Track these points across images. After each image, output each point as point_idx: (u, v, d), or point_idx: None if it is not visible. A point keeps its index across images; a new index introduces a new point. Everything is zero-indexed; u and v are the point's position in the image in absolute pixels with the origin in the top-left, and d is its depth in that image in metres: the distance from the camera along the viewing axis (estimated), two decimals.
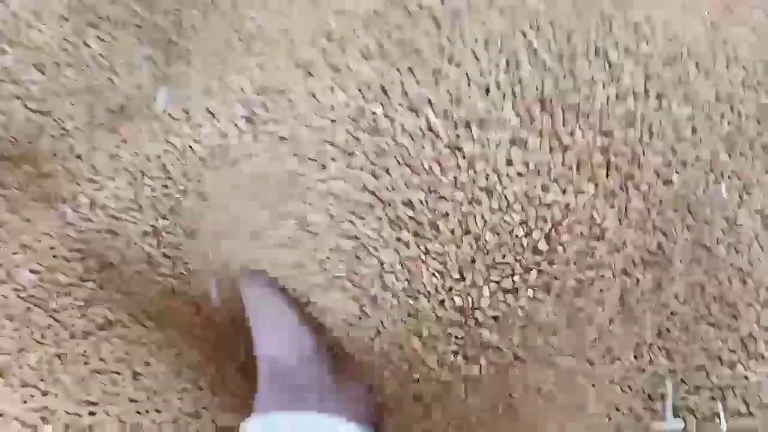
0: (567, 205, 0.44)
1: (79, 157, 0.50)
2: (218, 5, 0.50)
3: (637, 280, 0.45)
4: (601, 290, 0.45)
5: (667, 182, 0.45)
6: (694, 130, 0.45)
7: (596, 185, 0.44)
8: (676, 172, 0.45)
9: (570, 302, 0.44)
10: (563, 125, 0.44)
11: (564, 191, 0.44)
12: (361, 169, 0.45)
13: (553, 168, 0.44)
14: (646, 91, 0.45)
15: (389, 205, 0.44)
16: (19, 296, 0.45)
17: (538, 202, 0.44)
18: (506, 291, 0.45)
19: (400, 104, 0.44)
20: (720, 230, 0.45)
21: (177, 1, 0.51)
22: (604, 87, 0.44)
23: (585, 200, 0.44)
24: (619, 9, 0.46)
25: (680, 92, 0.45)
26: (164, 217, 0.49)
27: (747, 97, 0.47)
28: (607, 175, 0.44)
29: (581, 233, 0.44)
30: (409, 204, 0.44)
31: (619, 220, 0.44)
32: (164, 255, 0.49)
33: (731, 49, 0.47)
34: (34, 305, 0.45)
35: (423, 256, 0.44)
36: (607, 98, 0.45)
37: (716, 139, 0.45)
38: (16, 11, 0.51)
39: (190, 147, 0.49)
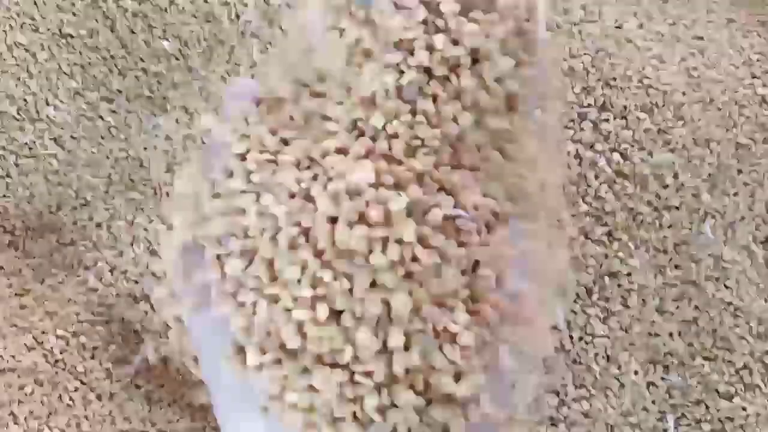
0: None
1: (99, 225, 0.53)
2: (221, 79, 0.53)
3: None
4: None
5: (654, 226, 0.47)
6: (676, 176, 0.47)
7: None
8: (662, 217, 0.47)
9: None
10: None
11: None
12: None
13: None
14: (633, 142, 0.48)
15: None
16: (47, 361, 0.47)
17: None
18: None
19: None
20: (708, 267, 0.47)
21: (184, 75, 0.55)
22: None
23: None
24: (597, 66, 0.49)
25: (660, 141, 0.48)
26: None
27: (725, 138, 0.49)
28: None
29: None
30: None
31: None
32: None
33: (706, 92, 0.50)
34: (62, 369, 0.47)
35: None
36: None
37: (698, 182, 0.48)
38: (36, 90, 0.54)
39: None
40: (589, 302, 0.47)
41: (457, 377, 0.24)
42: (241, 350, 0.25)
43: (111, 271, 0.52)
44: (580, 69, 0.49)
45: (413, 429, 0.23)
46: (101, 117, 0.55)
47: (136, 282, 0.51)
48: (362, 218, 0.24)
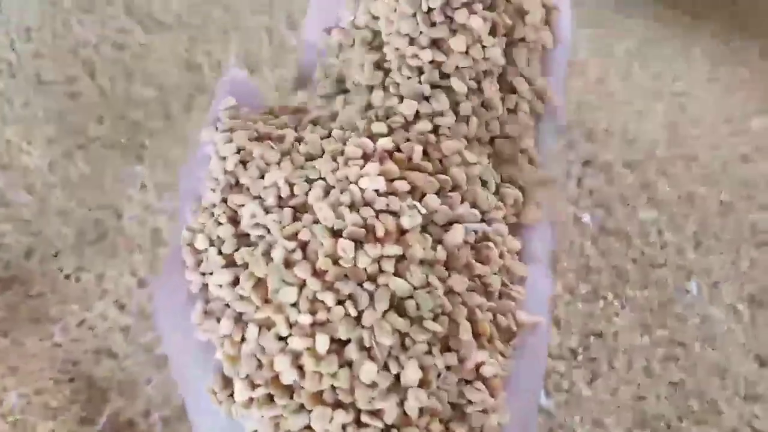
0: None
1: (67, 277, 0.51)
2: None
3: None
4: None
5: (640, 284, 0.46)
6: (660, 233, 0.47)
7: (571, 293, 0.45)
8: (647, 275, 0.46)
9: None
10: None
11: None
12: None
13: None
14: (617, 198, 0.47)
15: None
16: (6, 422, 0.45)
17: None
18: None
19: None
20: (695, 327, 0.46)
21: (163, 123, 0.54)
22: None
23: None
24: (580, 121, 0.48)
25: (644, 197, 0.47)
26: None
27: (708, 195, 0.49)
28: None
29: None
30: None
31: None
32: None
33: (689, 148, 0.50)
34: (22, 431, 0.45)
35: None
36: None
37: (683, 239, 0.47)
38: (10, 138, 0.53)
39: None
40: (575, 363, 0.45)
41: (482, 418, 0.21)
42: (227, 383, 0.22)
43: (78, 325, 0.50)
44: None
45: None
46: (76, 165, 0.54)
47: (103, 338, 0.49)
48: (370, 232, 0.21)
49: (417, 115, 0.24)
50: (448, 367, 0.21)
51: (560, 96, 0.26)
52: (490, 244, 0.22)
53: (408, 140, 0.23)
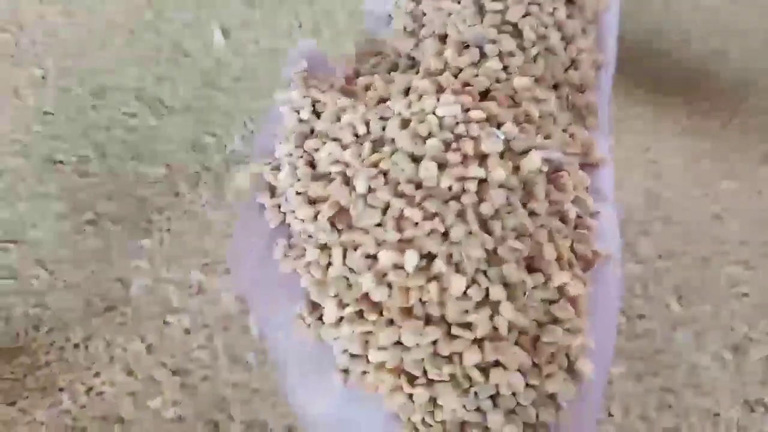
0: None
1: (76, 346, 0.52)
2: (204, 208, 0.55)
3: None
4: None
5: (630, 335, 0.49)
6: (645, 287, 0.50)
7: None
8: (635, 325, 0.49)
9: None
10: None
11: None
12: None
13: None
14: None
15: None
16: None
17: None
18: None
19: None
20: (684, 374, 0.49)
21: (170, 199, 0.57)
22: None
23: None
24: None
25: (627, 254, 0.50)
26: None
27: (687, 251, 0.52)
28: None
29: None
30: None
31: None
32: None
33: (665, 211, 0.53)
34: None
35: None
36: None
37: (666, 292, 0.50)
38: (23, 213, 0.55)
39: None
40: None
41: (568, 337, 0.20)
42: (315, 307, 0.22)
43: (86, 392, 0.50)
44: None
45: (519, 394, 0.20)
46: (85, 239, 0.56)
47: (111, 403, 0.50)
48: (452, 153, 0.21)
49: (484, 55, 0.24)
50: (534, 286, 0.21)
51: (613, 50, 0.28)
52: (564, 174, 0.22)
53: (477, 76, 0.24)
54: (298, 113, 0.24)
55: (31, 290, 0.54)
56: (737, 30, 0.68)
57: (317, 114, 0.24)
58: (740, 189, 0.57)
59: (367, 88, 0.25)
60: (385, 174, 0.21)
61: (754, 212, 0.55)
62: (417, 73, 0.25)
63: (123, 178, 0.58)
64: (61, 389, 0.50)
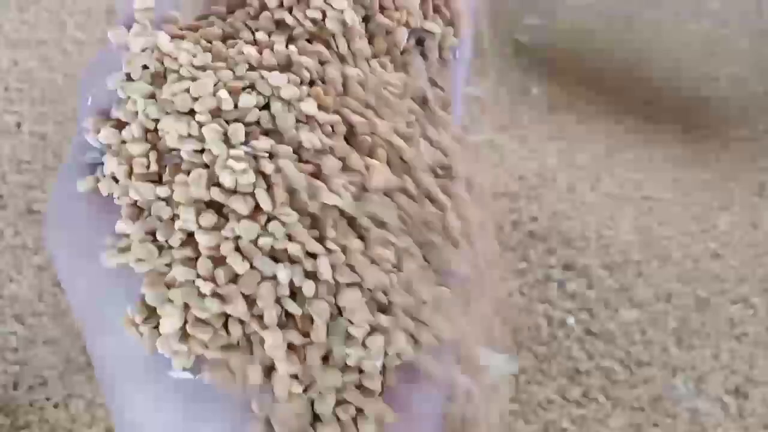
0: None
1: (56, 406, 0.50)
2: None
3: None
4: None
5: (628, 384, 0.48)
6: (643, 332, 0.49)
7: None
8: (634, 374, 0.48)
9: None
10: None
11: None
12: None
13: None
14: (599, 301, 0.49)
15: None
16: None
17: None
18: None
19: None
20: (685, 422, 0.47)
21: None
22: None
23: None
24: (556, 228, 0.51)
25: (623, 298, 0.49)
26: None
27: (684, 292, 0.51)
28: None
29: None
30: None
31: None
32: None
33: (661, 249, 0.52)
34: None
35: None
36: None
37: (665, 336, 0.49)
38: (1, 267, 0.54)
39: None
40: None
41: None
42: (151, 312, 0.19)
43: None
44: (540, 232, 0.52)
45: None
46: (64, 293, 0.54)
47: None
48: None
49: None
50: None
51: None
52: None
53: None
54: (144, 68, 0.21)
55: (9, 347, 0.52)
56: (728, 55, 0.67)
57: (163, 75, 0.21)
58: (737, 222, 0.56)
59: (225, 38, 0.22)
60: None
61: (751, 247, 0.54)
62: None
63: None
64: None
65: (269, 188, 0.19)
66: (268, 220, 0.19)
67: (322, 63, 0.22)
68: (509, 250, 0.51)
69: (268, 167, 0.19)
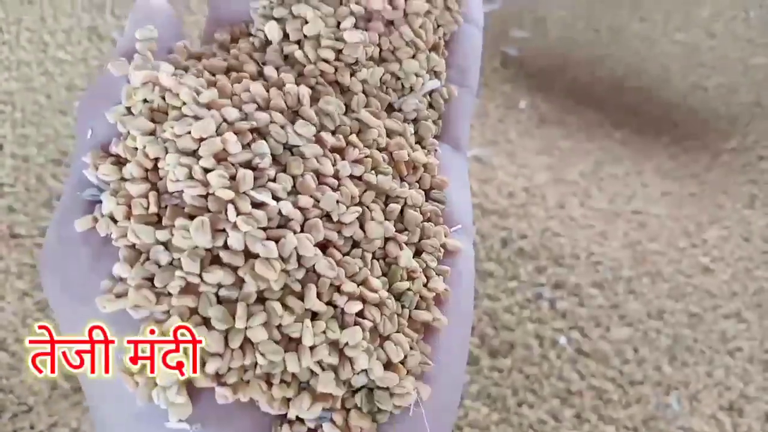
0: None
1: None
2: None
3: None
4: None
5: (621, 403, 0.47)
6: (636, 350, 0.48)
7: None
8: (627, 393, 0.47)
9: None
10: None
11: None
12: None
13: None
14: (590, 319, 0.48)
15: None
16: None
17: None
18: None
19: None
20: None
21: None
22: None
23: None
24: (545, 246, 0.50)
25: (615, 316, 0.48)
26: None
27: (676, 309, 0.50)
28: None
29: None
30: None
31: None
32: None
33: (652, 265, 0.52)
34: None
35: None
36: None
37: (658, 354, 0.48)
38: None
39: None
40: None
41: None
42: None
43: None
44: (530, 249, 0.51)
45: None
46: (49, 317, 0.53)
47: None
48: None
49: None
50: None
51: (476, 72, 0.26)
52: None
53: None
54: (146, 102, 0.20)
55: None
56: (716, 65, 0.67)
57: (164, 110, 0.20)
58: (728, 236, 0.55)
59: (227, 71, 0.22)
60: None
61: (742, 261, 0.54)
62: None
63: None
64: None
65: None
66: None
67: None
68: (499, 268, 0.50)
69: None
